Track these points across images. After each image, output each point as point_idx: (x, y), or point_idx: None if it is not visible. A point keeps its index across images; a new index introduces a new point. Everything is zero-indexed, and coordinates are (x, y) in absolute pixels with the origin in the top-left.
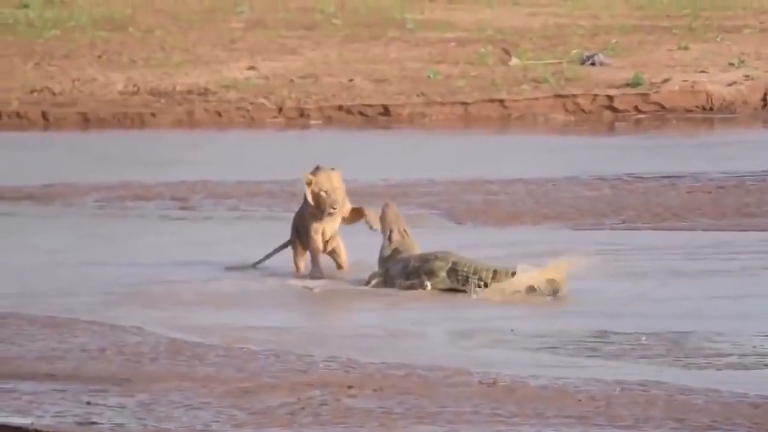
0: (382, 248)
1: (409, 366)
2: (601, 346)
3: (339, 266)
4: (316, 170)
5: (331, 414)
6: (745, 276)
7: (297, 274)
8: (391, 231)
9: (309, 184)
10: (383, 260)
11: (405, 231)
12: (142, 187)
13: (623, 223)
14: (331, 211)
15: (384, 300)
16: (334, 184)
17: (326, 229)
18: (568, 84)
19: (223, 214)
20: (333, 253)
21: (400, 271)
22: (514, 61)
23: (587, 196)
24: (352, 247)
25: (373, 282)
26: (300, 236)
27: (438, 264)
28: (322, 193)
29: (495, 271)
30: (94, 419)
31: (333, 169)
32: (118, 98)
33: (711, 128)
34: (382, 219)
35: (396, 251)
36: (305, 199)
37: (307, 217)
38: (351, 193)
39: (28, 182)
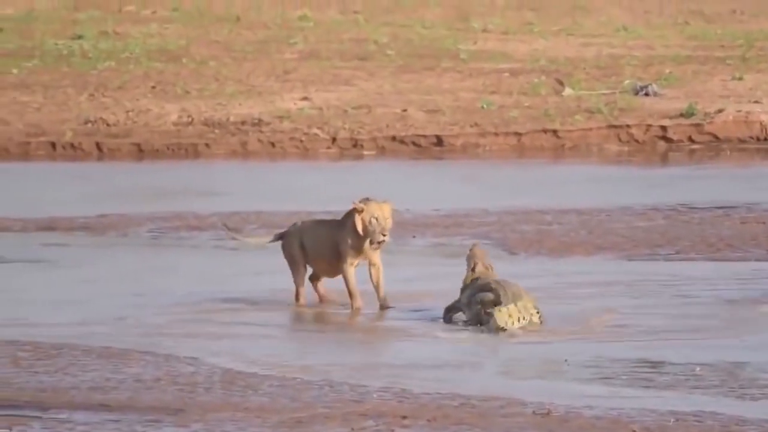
0: (465, 278)
1: (463, 396)
2: (655, 377)
3: (382, 303)
4: (366, 200)
5: None
6: None
7: (298, 304)
8: (475, 264)
9: (360, 212)
10: (463, 289)
11: (490, 266)
12: (196, 217)
13: (677, 253)
14: (381, 238)
15: (437, 329)
16: (385, 214)
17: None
18: (622, 114)
19: (276, 244)
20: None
21: (466, 300)
22: (568, 91)
23: (641, 226)
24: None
25: (449, 315)
26: (323, 263)
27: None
28: (373, 221)
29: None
30: None
31: (385, 201)
32: (172, 129)
33: (765, 158)
34: (470, 256)
35: (476, 279)
36: (346, 227)
37: (346, 247)
38: (405, 223)
39: (83, 213)
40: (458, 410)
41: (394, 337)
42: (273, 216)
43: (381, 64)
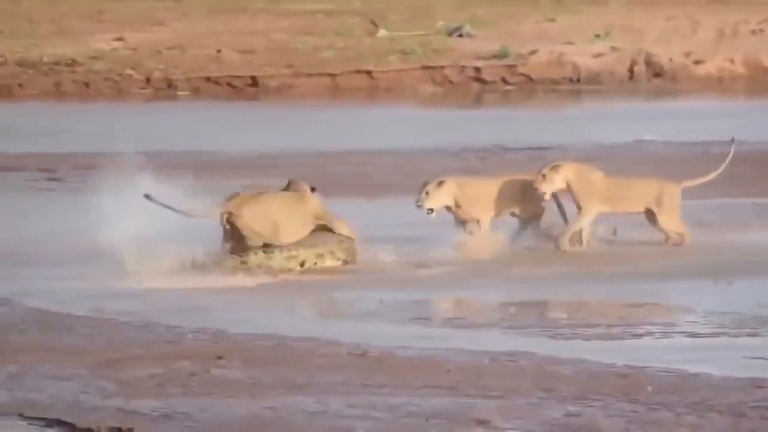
0: None
1: (279, 337)
2: (470, 317)
3: None
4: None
5: (200, 384)
6: (608, 248)
7: None
8: None
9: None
10: None
11: None
12: (10, 158)
13: None
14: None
15: (256, 273)
16: None
17: None
18: (436, 55)
19: (90, 186)
20: None
21: None
22: (382, 32)
23: (455, 167)
24: None
25: None
26: None
27: None
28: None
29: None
30: None
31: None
32: None
33: (578, 99)
34: None
35: None
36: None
37: None
38: (221, 165)
39: None
40: (274, 351)
41: (212, 277)
42: (86, 157)
43: (194, 4)
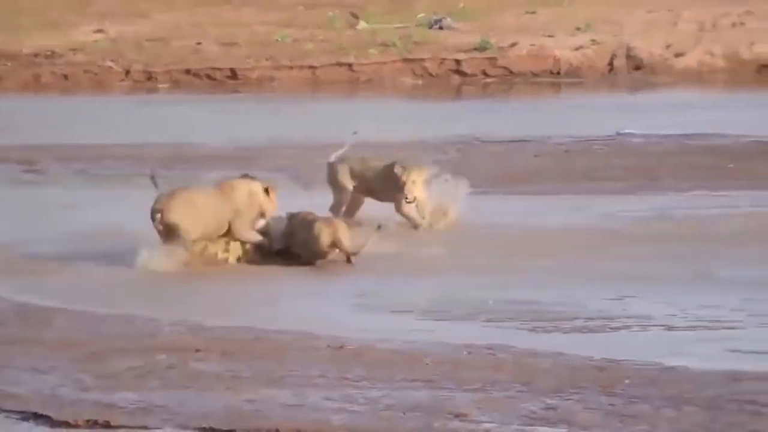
0: None
1: (258, 330)
2: (449, 310)
3: None
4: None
5: (179, 377)
6: (593, 240)
7: None
8: None
9: None
10: None
11: None
12: None
13: (471, 187)
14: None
15: (235, 265)
16: None
17: None
18: (416, 48)
19: (71, 178)
20: None
21: None
22: (362, 24)
23: (436, 159)
24: None
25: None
26: None
27: None
28: None
29: None
30: None
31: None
32: None
33: (558, 92)
34: None
35: None
36: None
37: None
38: (200, 157)
39: None
40: (252, 343)
41: (190, 270)
42: (67, 149)
43: None
